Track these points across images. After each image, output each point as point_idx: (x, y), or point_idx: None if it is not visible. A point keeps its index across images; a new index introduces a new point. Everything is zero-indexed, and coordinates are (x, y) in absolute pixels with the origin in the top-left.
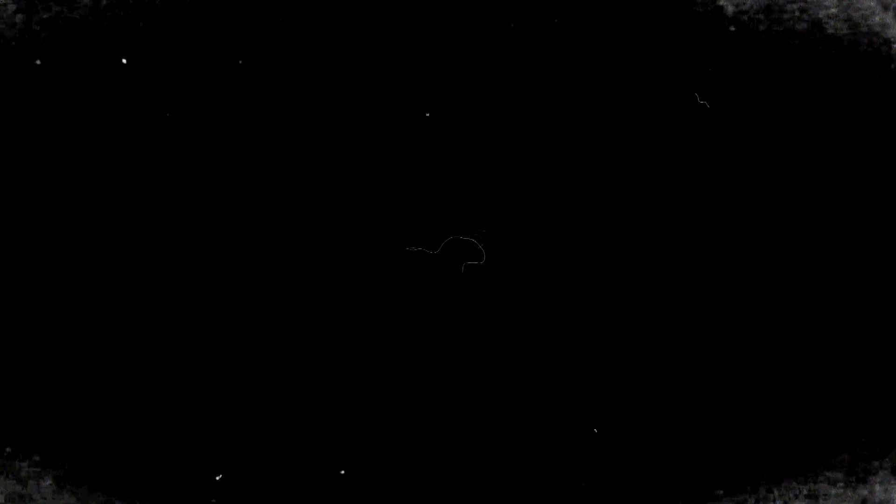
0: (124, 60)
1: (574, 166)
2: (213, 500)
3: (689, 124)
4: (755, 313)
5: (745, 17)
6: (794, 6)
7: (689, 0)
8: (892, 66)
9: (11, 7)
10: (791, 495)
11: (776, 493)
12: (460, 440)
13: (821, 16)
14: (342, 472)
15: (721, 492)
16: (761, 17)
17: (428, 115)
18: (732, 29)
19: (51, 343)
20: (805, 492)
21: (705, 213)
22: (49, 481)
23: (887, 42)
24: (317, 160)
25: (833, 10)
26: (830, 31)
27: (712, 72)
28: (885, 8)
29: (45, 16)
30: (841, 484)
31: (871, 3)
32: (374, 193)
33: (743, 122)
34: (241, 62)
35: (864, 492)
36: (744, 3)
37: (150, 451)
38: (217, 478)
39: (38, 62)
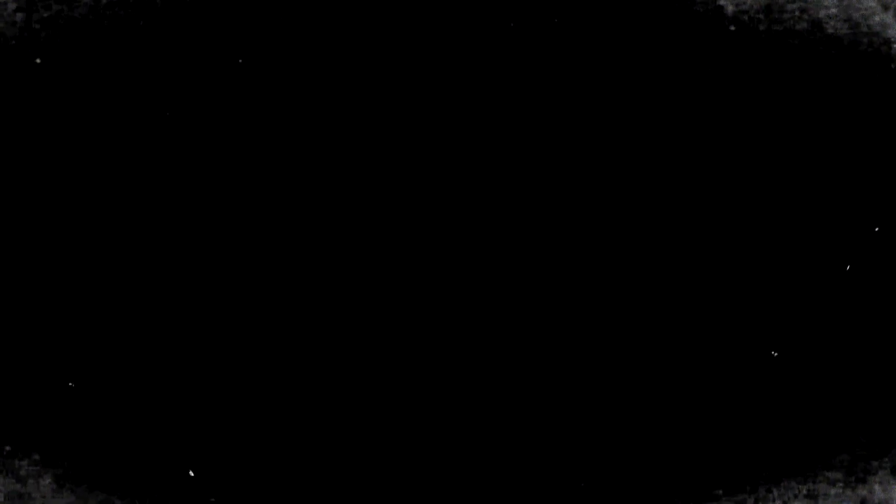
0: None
1: (573, 166)
2: (213, 500)
3: (688, 124)
4: (754, 313)
5: (746, 17)
6: (794, 6)
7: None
8: (893, 65)
9: (12, 6)
10: (790, 495)
11: (775, 492)
12: (460, 440)
13: (821, 15)
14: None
15: (720, 491)
16: (761, 16)
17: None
18: (732, 28)
19: (50, 342)
20: (804, 491)
21: (704, 212)
22: (49, 480)
23: (887, 42)
24: (316, 159)
25: (833, 10)
26: (830, 30)
27: (712, 72)
28: (886, 8)
29: (45, 14)
30: (840, 484)
31: (872, 3)
32: (373, 193)
33: (743, 122)
34: (241, 61)
35: (863, 492)
36: (744, 3)
37: (149, 450)
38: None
39: (39, 61)
